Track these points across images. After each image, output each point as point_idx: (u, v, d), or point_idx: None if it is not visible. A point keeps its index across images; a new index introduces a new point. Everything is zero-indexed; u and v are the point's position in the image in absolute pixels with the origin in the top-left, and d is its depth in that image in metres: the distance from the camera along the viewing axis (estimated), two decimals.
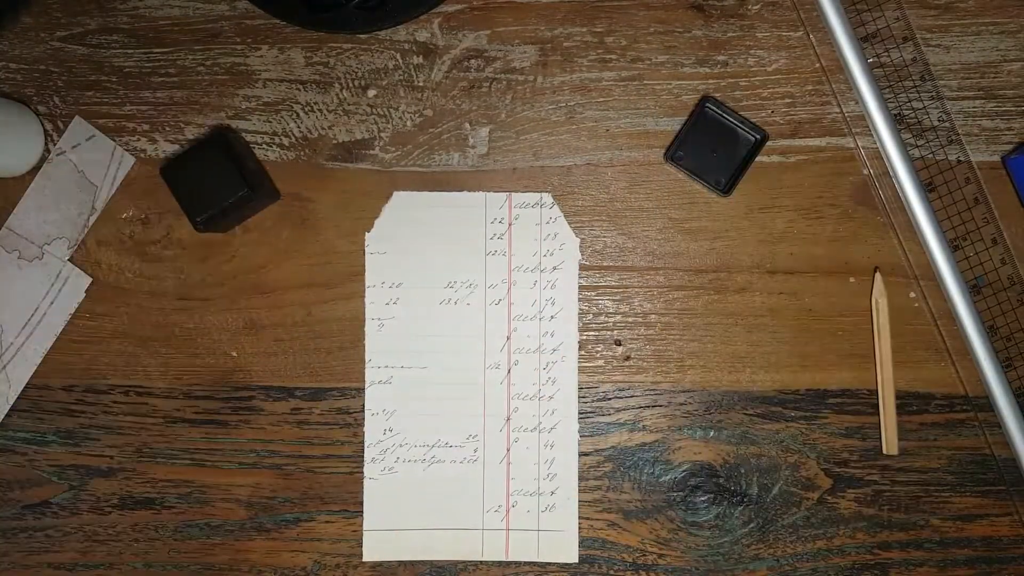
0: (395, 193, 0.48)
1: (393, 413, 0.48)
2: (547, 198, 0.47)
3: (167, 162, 0.47)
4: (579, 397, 0.48)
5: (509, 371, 0.48)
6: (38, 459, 0.49)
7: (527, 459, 0.48)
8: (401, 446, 0.48)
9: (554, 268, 0.47)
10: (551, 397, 0.47)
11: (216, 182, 0.44)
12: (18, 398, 0.48)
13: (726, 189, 0.46)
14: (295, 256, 0.48)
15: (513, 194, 0.47)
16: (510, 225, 0.47)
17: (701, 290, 0.48)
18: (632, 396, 0.48)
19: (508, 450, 0.47)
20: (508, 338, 0.47)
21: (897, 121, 0.46)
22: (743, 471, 0.48)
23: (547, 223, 0.47)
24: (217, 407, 0.49)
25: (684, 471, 0.48)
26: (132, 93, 0.48)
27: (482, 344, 0.48)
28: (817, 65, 0.47)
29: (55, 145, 0.48)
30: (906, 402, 0.47)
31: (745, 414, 0.48)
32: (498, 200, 0.47)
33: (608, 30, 0.47)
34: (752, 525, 0.48)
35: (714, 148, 0.46)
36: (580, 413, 0.48)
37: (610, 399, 0.48)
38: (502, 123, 0.48)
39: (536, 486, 0.47)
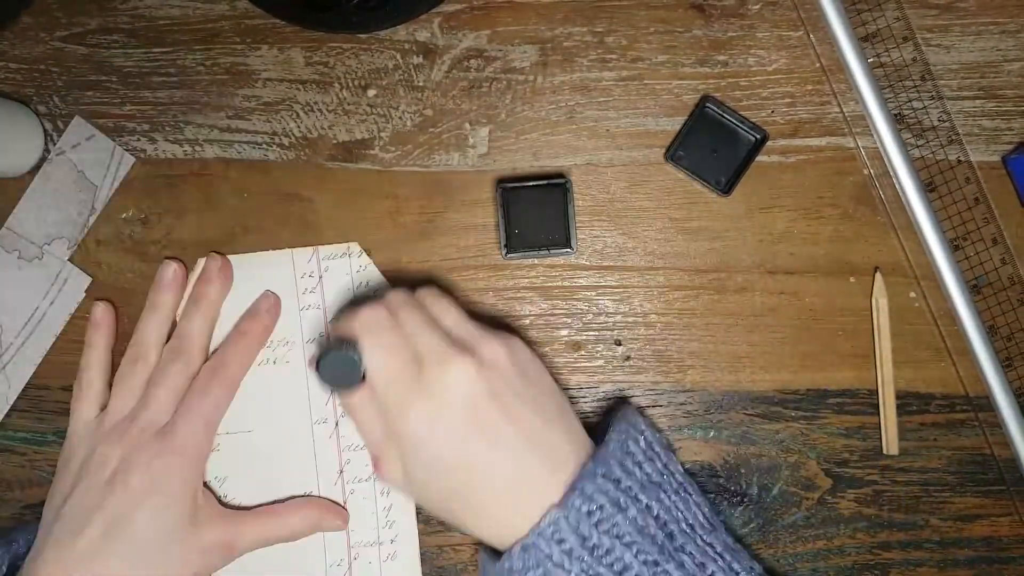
0: (200, 259, 0.47)
1: (225, 480, 0.46)
2: (354, 247, 0.47)
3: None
4: (580, 397, 0.48)
5: (336, 424, 0.46)
6: (38, 459, 0.49)
7: (364, 509, 0.46)
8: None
9: None
10: None
11: None
12: (18, 398, 0.48)
13: (726, 189, 0.46)
14: None
15: (320, 247, 0.47)
16: (320, 278, 0.47)
17: (701, 290, 0.48)
18: (632, 396, 0.48)
19: (344, 502, 0.46)
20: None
21: (897, 121, 0.46)
22: (743, 471, 0.48)
23: (357, 272, 0.47)
24: None
25: (684, 471, 0.48)
26: (132, 93, 0.48)
27: (306, 401, 0.47)
28: (817, 65, 0.47)
29: (55, 145, 0.48)
30: (906, 402, 0.47)
31: (745, 414, 0.48)
32: (305, 255, 0.47)
33: (608, 30, 0.47)
34: (752, 525, 0.48)
35: (714, 148, 0.46)
36: (581, 413, 0.48)
37: (610, 399, 0.48)
38: (502, 123, 0.48)
39: (376, 535, 0.46)
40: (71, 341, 0.48)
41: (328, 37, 0.48)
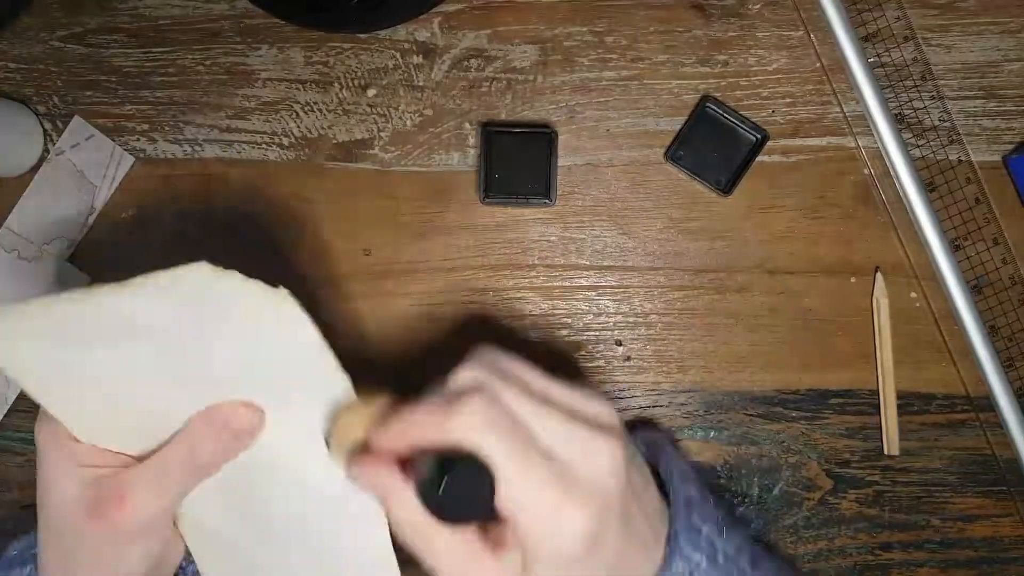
0: None
1: None
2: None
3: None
4: None
5: None
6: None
7: None
8: None
9: None
10: None
11: None
12: (17, 398, 0.48)
13: (727, 189, 0.46)
14: (294, 256, 0.48)
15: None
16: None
17: (702, 290, 0.48)
18: (633, 397, 0.48)
19: None
20: None
21: (898, 121, 0.46)
22: (744, 472, 0.48)
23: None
24: None
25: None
26: (131, 93, 0.48)
27: None
28: (818, 65, 0.47)
29: (54, 145, 0.48)
30: (907, 402, 0.47)
31: (746, 414, 0.48)
32: None
33: (608, 30, 0.47)
34: (753, 526, 0.48)
35: (715, 148, 0.46)
36: None
37: (611, 400, 0.48)
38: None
39: None
40: None
41: (328, 37, 0.47)
